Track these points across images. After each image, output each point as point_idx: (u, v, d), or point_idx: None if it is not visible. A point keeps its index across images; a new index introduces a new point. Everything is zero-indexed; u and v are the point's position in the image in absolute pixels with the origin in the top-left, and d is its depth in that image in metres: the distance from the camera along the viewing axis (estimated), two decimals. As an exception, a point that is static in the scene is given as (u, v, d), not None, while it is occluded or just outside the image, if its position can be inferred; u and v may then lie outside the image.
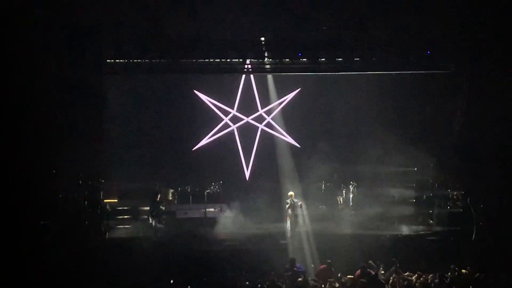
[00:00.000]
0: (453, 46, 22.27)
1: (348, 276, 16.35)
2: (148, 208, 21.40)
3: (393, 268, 16.35)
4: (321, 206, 23.68)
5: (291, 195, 21.20)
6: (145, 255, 18.86)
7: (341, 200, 23.92)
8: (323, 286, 15.56)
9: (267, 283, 15.89)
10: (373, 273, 16.22)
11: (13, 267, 15.57)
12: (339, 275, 16.67)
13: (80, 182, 20.81)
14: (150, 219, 21.16)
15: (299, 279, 15.98)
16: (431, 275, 16.03)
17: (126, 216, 22.40)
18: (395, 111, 23.88)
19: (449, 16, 21.47)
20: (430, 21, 21.83)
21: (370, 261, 16.94)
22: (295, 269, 17.15)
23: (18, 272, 15.50)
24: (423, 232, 21.73)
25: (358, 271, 16.37)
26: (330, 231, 21.29)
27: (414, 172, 24.23)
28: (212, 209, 23.18)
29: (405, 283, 15.61)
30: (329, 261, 17.39)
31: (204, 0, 20.83)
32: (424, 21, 21.83)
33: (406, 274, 16.32)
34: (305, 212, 21.84)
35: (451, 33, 21.99)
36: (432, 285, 15.47)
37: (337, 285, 15.54)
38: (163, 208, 21.59)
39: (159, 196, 21.48)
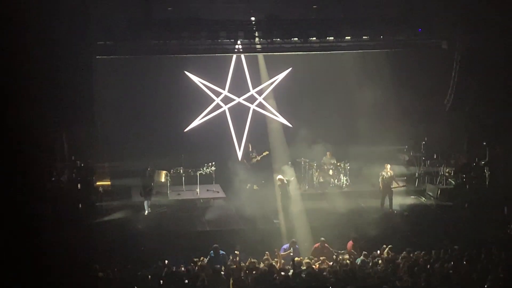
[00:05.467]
0: (445, 23, 22.25)
1: (342, 254, 16.55)
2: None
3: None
4: (313, 184, 23.73)
5: (282, 174, 21.26)
6: (139, 236, 18.96)
7: (334, 179, 23.98)
8: (318, 263, 15.69)
9: (262, 262, 15.99)
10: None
11: (6, 251, 15.51)
12: (334, 254, 16.82)
13: (73, 165, 20.82)
14: (142, 196, 21.44)
15: (296, 258, 16.09)
16: (423, 252, 16.19)
17: (118, 198, 22.39)
18: (386, 89, 23.87)
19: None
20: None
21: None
22: (292, 249, 17.31)
23: (12, 255, 15.46)
24: (414, 209, 21.87)
25: (350, 243, 16.75)
26: (322, 209, 21.40)
27: (405, 150, 24.34)
28: (205, 190, 23.23)
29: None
30: (323, 238, 17.51)
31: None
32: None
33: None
34: (297, 191, 21.92)
35: (443, 10, 21.96)
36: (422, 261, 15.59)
37: (332, 262, 15.67)
38: (155, 179, 21.72)
39: (148, 169, 21.65)
